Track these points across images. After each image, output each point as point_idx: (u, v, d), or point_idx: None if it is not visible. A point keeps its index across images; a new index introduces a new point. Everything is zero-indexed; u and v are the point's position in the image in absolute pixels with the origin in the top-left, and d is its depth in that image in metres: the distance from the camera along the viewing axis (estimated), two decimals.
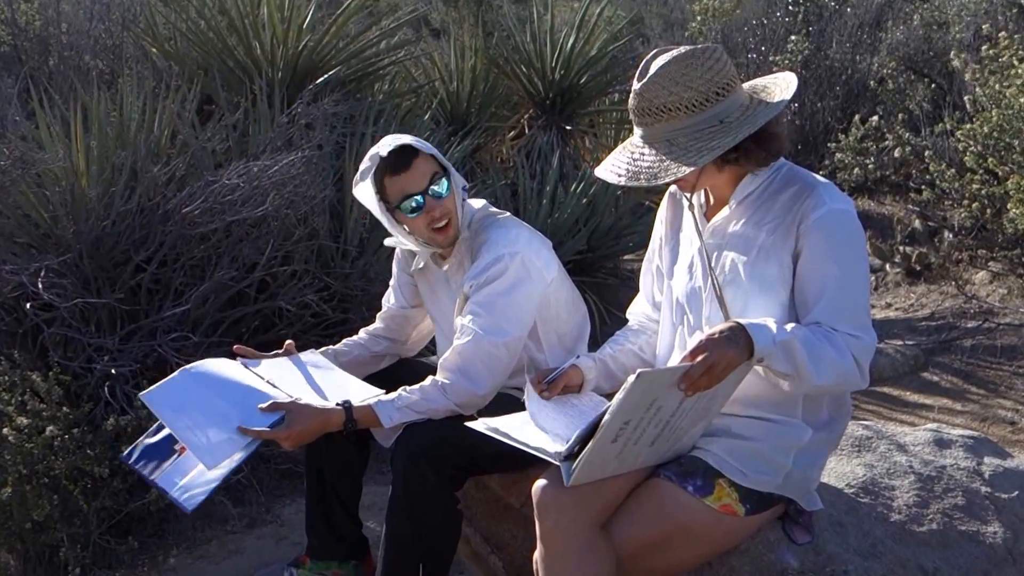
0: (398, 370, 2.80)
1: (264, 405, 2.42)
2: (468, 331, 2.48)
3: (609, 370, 2.40)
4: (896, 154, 6.20)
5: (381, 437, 2.54)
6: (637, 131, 2.06)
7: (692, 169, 1.96)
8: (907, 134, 5.98)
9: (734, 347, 1.89)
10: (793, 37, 7.97)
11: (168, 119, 4.06)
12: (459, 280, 2.63)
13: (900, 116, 6.55)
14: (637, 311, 2.51)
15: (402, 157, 2.51)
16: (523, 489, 2.68)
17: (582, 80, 6.50)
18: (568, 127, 6.45)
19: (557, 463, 1.98)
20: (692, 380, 1.86)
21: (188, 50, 5.16)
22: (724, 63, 1.99)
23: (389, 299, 2.90)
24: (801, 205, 2.03)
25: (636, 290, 2.52)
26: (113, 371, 3.42)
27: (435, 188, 2.52)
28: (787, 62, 7.83)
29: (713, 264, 2.13)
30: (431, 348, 2.94)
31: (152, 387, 2.45)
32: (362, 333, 2.92)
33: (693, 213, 2.19)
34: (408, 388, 2.48)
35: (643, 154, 2.02)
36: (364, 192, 2.57)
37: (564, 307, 2.65)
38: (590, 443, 1.90)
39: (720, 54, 1.99)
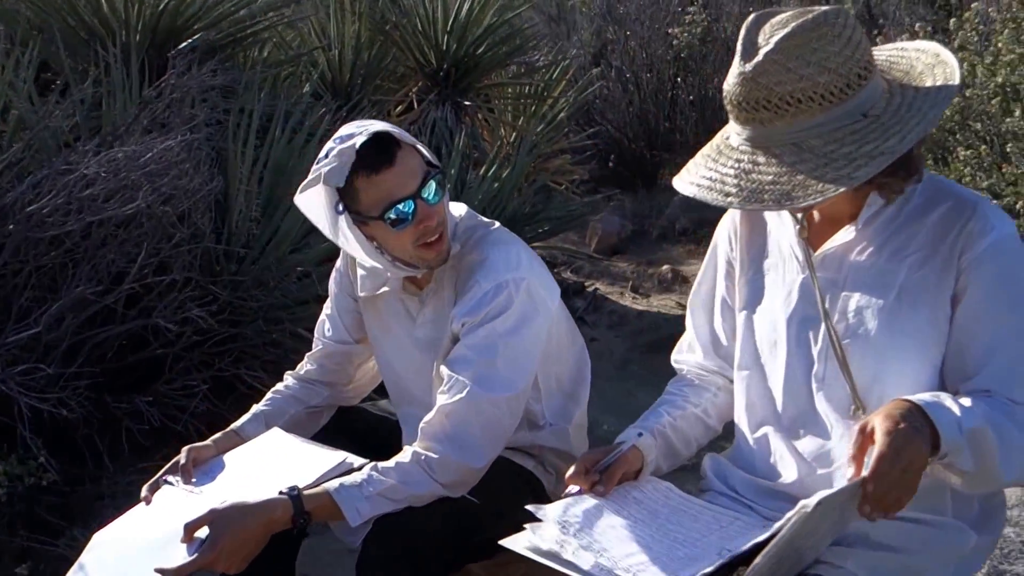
0: (349, 424, 2.27)
1: (181, 535, 1.85)
2: (460, 385, 1.95)
3: (671, 445, 1.91)
4: None
5: (343, 532, 1.96)
6: (741, 130, 1.58)
7: (844, 189, 1.48)
8: None
9: (923, 440, 1.43)
10: (692, 9, 7.70)
11: None
12: (430, 312, 2.11)
13: None
14: (689, 360, 2.00)
15: (381, 150, 1.95)
16: (512, 574, 2.23)
17: (479, 51, 6.04)
18: (467, 102, 5.99)
19: None
20: (880, 500, 1.41)
21: (17, 6, 4.45)
22: (860, 31, 1.54)
23: (324, 331, 2.32)
24: (963, 229, 1.59)
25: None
26: None
27: (426, 192, 1.98)
28: (686, 35, 7.58)
29: (828, 308, 1.67)
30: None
31: None
32: (289, 379, 2.35)
33: (803, 238, 1.71)
34: (380, 467, 1.93)
35: (756, 163, 1.54)
36: (312, 200, 2.01)
37: (565, 340, 2.18)
38: None
39: (851, 18, 1.53)
